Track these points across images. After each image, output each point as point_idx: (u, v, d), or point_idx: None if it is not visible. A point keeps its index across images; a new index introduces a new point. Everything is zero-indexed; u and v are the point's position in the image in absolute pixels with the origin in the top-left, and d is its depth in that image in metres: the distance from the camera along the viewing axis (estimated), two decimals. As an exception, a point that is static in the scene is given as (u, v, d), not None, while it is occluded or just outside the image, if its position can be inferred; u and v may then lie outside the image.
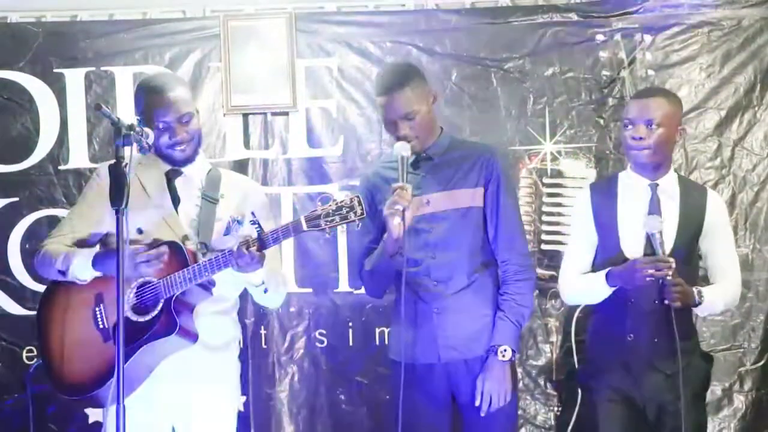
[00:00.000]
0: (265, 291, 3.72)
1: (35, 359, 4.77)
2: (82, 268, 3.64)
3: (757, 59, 4.86)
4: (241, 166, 4.91)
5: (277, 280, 3.79)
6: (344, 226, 3.49)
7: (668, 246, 3.79)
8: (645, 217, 3.80)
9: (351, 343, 4.96)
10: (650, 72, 4.86)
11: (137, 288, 3.61)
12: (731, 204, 4.84)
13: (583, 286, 3.97)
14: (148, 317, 3.57)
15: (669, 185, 3.91)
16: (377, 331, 4.87)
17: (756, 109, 4.87)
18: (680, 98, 4.09)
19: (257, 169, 4.96)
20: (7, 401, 4.86)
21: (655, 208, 3.85)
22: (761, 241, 4.83)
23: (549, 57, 4.93)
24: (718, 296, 3.87)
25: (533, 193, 4.91)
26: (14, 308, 4.86)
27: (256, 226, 3.49)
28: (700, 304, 3.79)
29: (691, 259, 3.90)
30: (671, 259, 3.71)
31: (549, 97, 4.92)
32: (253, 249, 3.46)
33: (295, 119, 4.97)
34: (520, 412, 4.82)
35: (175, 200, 3.77)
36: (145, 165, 3.74)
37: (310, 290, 4.96)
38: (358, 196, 3.44)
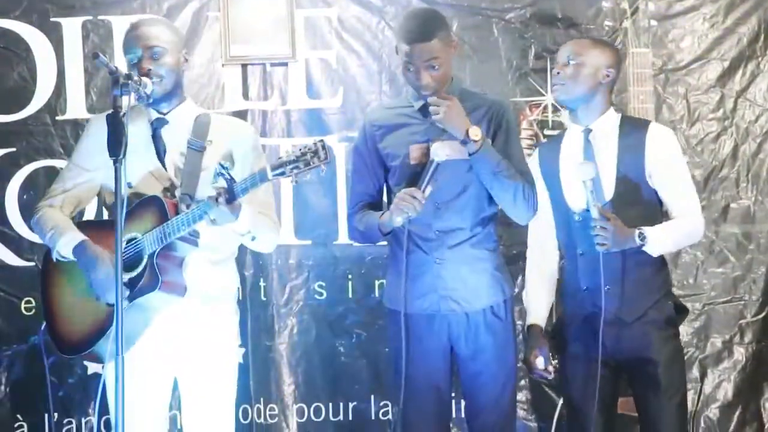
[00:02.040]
0: (253, 239, 3.70)
1: (33, 310, 4.78)
2: (65, 250, 3.63)
3: (762, 9, 4.84)
4: (239, 117, 4.84)
5: (265, 225, 3.74)
6: (311, 173, 3.41)
7: (609, 192, 3.74)
8: (577, 165, 3.73)
9: (350, 295, 4.96)
10: (653, 22, 4.82)
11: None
12: (733, 155, 4.85)
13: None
14: (133, 274, 3.55)
15: (604, 128, 3.81)
16: (377, 283, 4.86)
17: (759, 59, 4.85)
18: (615, 47, 4.05)
19: (256, 121, 4.93)
20: (6, 352, 4.85)
21: (589, 154, 3.78)
22: (763, 192, 4.83)
23: (551, 7, 4.90)
24: (668, 234, 3.76)
25: (534, 144, 4.88)
26: (12, 259, 4.84)
27: (226, 176, 3.44)
28: (643, 245, 3.69)
29: (639, 201, 3.78)
30: (601, 217, 3.65)
31: (551, 48, 4.87)
32: (221, 201, 3.42)
33: (294, 70, 4.94)
34: (520, 364, 4.81)
35: (161, 150, 3.72)
36: (131, 117, 3.69)
37: (309, 242, 4.95)
38: (322, 140, 3.39)
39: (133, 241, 3.56)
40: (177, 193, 3.64)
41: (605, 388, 3.82)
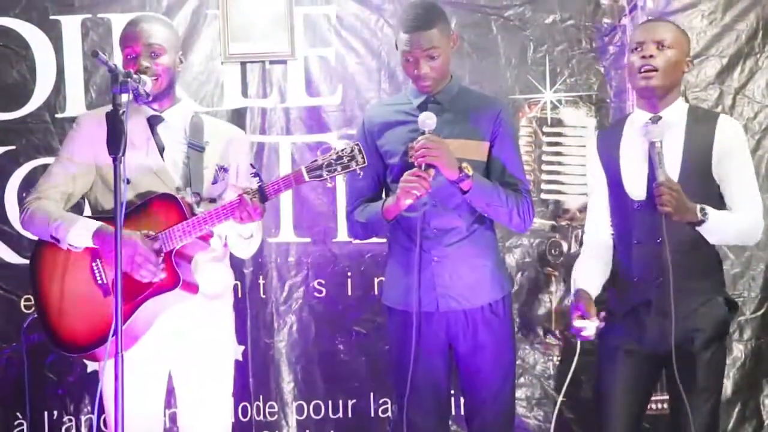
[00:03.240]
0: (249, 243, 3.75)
1: (33, 309, 4.76)
2: (80, 239, 3.61)
3: (759, 6, 4.83)
4: (239, 115, 4.90)
5: (258, 229, 3.81)
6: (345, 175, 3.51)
7: (673, 178, 3.62)
8: (646, 126, 3.67)
9: (350, 293, 4.95)
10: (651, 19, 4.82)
11: None
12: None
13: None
14: None
15: (674, 115, 3.73)
16: (376, 281, 4.86)
17: (758, 56, 4.84)
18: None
19: (255, 118, 4.93)
20: (5, 350, 4.85)
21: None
22: (762, 189, 4.77)
23: (549, 4, 4.89)
24: (729, 223, 3.66)
25: (533, 142, 4.90)
26: (12, 257, 4.84)
27: (257, 178, 3.51)
28: (703, 221, 3.60)
29: (702, 192, 3.68)
30: (665, 181, 3.56)
31: (549, 45, 4.89)
32: (255, 200, 3.48)
33: (293, 68, 4.93)
34: (519, 361, 4.83)
35: (160, 148, 3.74)
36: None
37: (308, 240, 4.95)
38: (358, 145, 3.48)
39: (149, 239, 3.57)
40: (186, 192, 3.65)
41: (642, 382, 3.82)
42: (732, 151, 3.72)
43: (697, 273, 3.72)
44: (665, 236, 3.57)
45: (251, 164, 3.61)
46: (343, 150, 3.47)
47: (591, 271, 3.90)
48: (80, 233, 3.60)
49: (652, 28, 3.77)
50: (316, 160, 3.48)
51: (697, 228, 3.64)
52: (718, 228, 3.66)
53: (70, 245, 3.62)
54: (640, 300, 3.75)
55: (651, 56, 3.68)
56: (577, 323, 3.73)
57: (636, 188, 3.74)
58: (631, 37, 3.84)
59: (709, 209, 3.62)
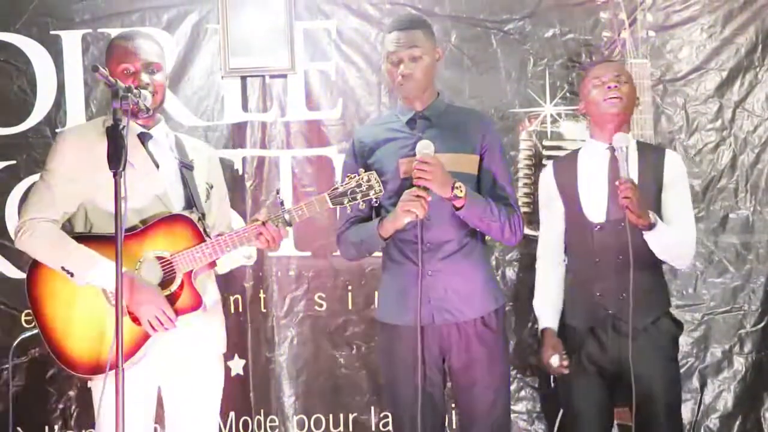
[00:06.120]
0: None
1: (33, 323, 4.73)
2: (100, 281, 3.53)
3: (759, 19, 4.85)
4: (239, 129, 4.91)
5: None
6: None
7: None
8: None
9: (350, 307, 4.95)
10: (651, 33, 4.83)
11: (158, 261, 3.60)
12: (732, 166, 4.85)
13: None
14: (167, 292, 3.58)
15: (627, 148, 3.88)
16: (377, 294, 4.82)
17: (757, 70, 4.86)
18: None
19: (256, 132, 4.93)
20: (5, 365, 4.81)
21: (614, 169, 3.88)
22: (761, 202, 4.84)
23: (549, 18, 4.91)
24: (671, 234, 3.87)
25: (533, 155, 4.89)
26: (12, 272, 4.83)
27: (281, 204, 3.58)
28: (654, 225, 3.78)
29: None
30: (630, 179, 3.77)
31: (549, 59, 4.90)
32: (282, 226, 3.58)
33: (293, 82, 4.94)
34: (519, 375, 4.84)
35: (156, 165, 3.72)
36: None
37: (309, 254, 4.95)
38: (374, 174, 3.61)
39: (164, 260, 3.57)
40: (194, 210, 3.65)
41: (605, 396, 3.96)
42: (676, 182, 3.96)
43: (651, 290, 3.92)
44: (630, 252, 3.78)
45: (277, 190, 3.67)
46: (362, 178, 3.60)
47: (554, 304, 4.11)
48: (100, 275, 3.52)
49: (609, 66, 4.09)
50: (337, 188, 3.62)
51: (645, 233, 3.82)
52: (662, 236, 3.84)
53: (86, 282, 3.54)
54: (602, 313, 3.93)
55: (616, 86, 3.93)
56: (554, 361, 4.01)
57: (596, 212, 3.96)
58: (588, 74, 4.08)
59: (658, 218, 3.83)
